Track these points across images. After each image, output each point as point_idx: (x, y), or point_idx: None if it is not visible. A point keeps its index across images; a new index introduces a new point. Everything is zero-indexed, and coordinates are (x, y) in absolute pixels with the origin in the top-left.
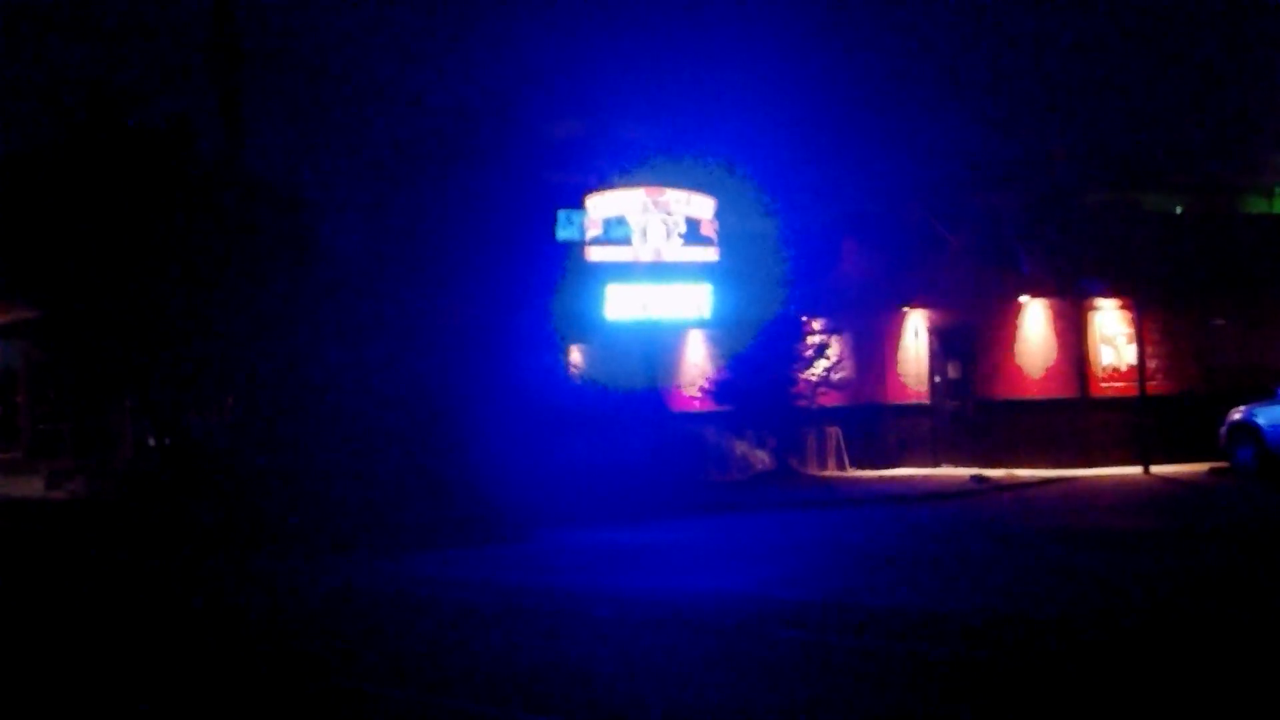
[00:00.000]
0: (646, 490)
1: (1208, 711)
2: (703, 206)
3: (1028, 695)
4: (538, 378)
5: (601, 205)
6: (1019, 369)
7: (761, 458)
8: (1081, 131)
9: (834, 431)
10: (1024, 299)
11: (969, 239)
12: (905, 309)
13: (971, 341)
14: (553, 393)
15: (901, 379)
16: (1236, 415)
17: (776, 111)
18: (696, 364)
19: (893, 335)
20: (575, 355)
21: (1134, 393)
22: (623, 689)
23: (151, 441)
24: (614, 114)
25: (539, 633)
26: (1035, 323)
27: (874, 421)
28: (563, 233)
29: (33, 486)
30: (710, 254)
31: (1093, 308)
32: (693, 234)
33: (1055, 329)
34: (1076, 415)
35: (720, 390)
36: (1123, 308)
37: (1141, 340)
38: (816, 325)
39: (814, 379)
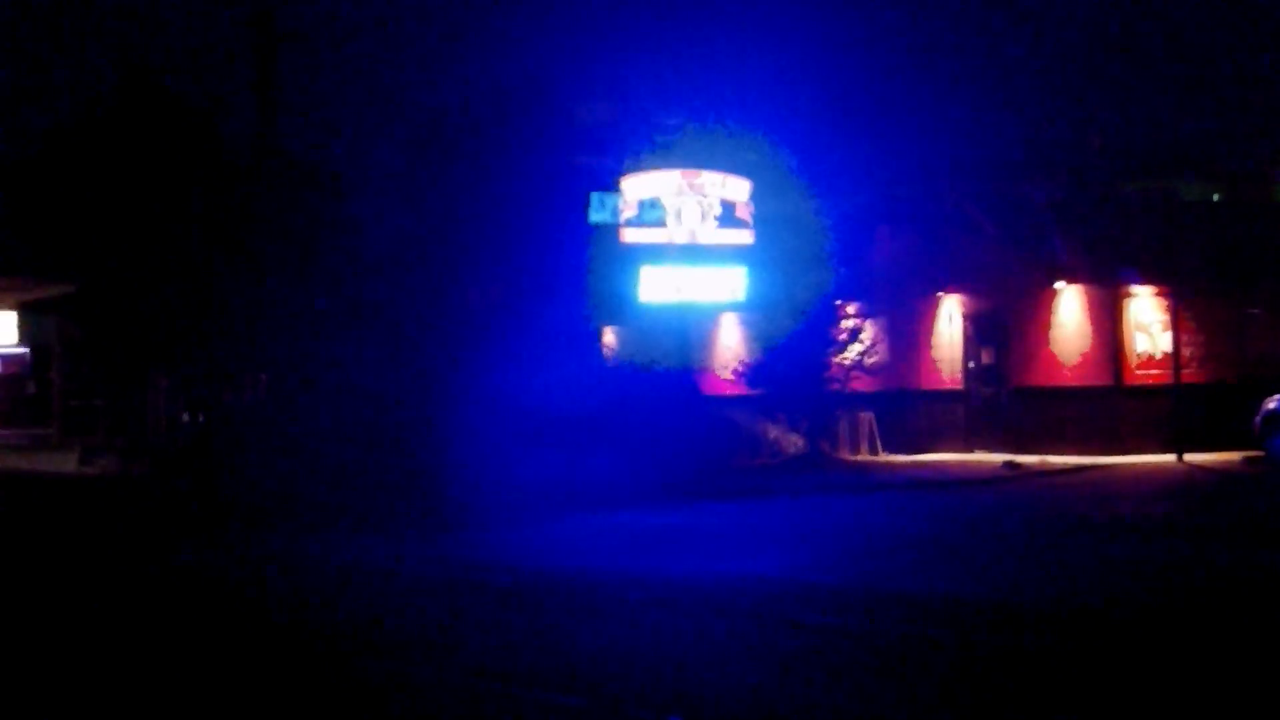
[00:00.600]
0: (677, 473)
1: (1236, 702)
2: (738, 189)
3: (1047, 684)
4: (571, 360)
5: (636, 187)
6: (1053, 356)
7: (794, 442)
8: (1119, 118)
9: (867, 416)
10: (1059, 286)
11: (1004, 225)
12: (939, 294)
13: (1006, 328)
14: (586, 375)
15: (935, 364)
16: (1271, 404)
17: (813, 95)
18: (730, 347)
19: (927, 320)
20: (609, 338)
21: (1169, 381)
22: (649, 671)
23: (185, 418)
24: (649, 95)
25: (568, 615)
26: (1070, 310)
27: (907, 407)
28: (596, 215)
29: (66, 462)
30: (745, 237)
31: (1128, 295)
32: (728, 217)
33: (1090, 316)
34: (1110, 403)
35: (753, 374)
36: (1158, 295)
37: (1177, 328)
38: (850, 309)
39: (847, 363)
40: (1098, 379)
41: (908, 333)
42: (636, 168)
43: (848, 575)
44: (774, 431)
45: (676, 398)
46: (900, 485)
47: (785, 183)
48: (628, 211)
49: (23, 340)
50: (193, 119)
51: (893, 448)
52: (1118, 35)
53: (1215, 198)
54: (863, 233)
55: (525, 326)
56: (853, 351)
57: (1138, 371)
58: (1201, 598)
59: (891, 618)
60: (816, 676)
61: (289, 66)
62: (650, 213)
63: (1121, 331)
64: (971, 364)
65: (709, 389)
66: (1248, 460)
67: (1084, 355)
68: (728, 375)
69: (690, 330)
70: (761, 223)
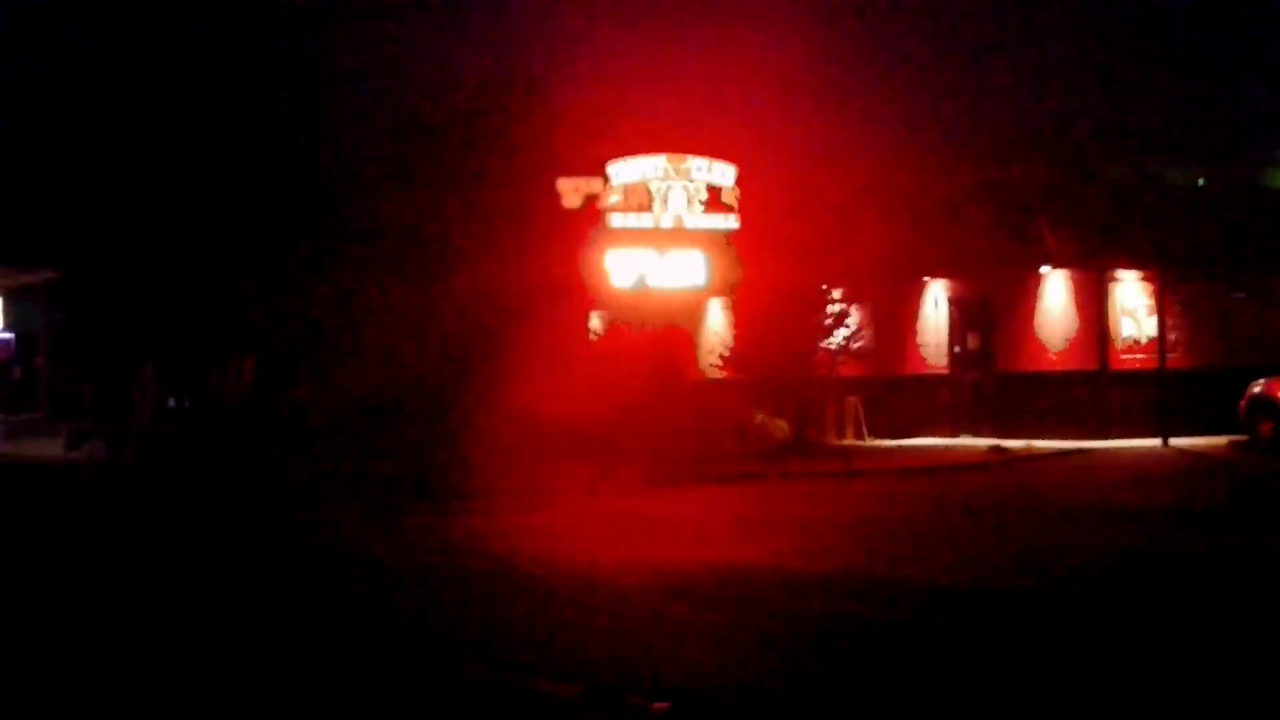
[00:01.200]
0: (662, 459)
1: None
2: (724, 174)
3: (1037, 669)
4: (556, 346)
5: (622, 172)
6: (1039, 340)
7: (780, 427)
8: (1105, 102)
9: (853, 401)
10: (1044, 270)
11: (990, 209)
12: (925, 279)
13: (992, 312)
14: (570, 360)
15: (921, 349)
16: (1256, 389)
17: (799, 80)
18: (715, 332)
19: (912, 305)
20: (594, 322)
21: (1154, 365)
22: (637, 659)
23: (171, 403)
24: (635, 80)
25: (554, 601)
26: (1056, 294)
27: (893, 392)
28: (581, 200)
29: (52, 448)
30: (731, 221)
31: (1113, 280)
32: (714, 201)
33: (1076, 301)
34: (1096, 387)
35: (739, 359)
36: (1144, 280)
37: (1162, 313)
38: (836, 294)
39: (833, 349)
40: (1083, 364)
41: (894, 318)
42: (622, 152)
43: (836, 562)
44: (760, 417)
45: (661, 384)
46: (886, 471)
47: (772, 168)
48: (614, 196)
49: (8, 326)
50: (181, 103)
51: (879, 433)
52: (1103, 20)
53: (1201, 182)
54: (849, 217)
55: (510, 311)
56: (839, 336)
57: (1123, 356)
58: (1176, 587)
59: (882, 605)
60: (806, 664)
61: (279, 51)
62: (636, 197)
63: (1107, 316)
64: (957, 349)
65: (694, 374)
66: (1233, 445)
67: (1070, 340)
68: (714, 361)
69: (675, 316)
70: (747, 208)
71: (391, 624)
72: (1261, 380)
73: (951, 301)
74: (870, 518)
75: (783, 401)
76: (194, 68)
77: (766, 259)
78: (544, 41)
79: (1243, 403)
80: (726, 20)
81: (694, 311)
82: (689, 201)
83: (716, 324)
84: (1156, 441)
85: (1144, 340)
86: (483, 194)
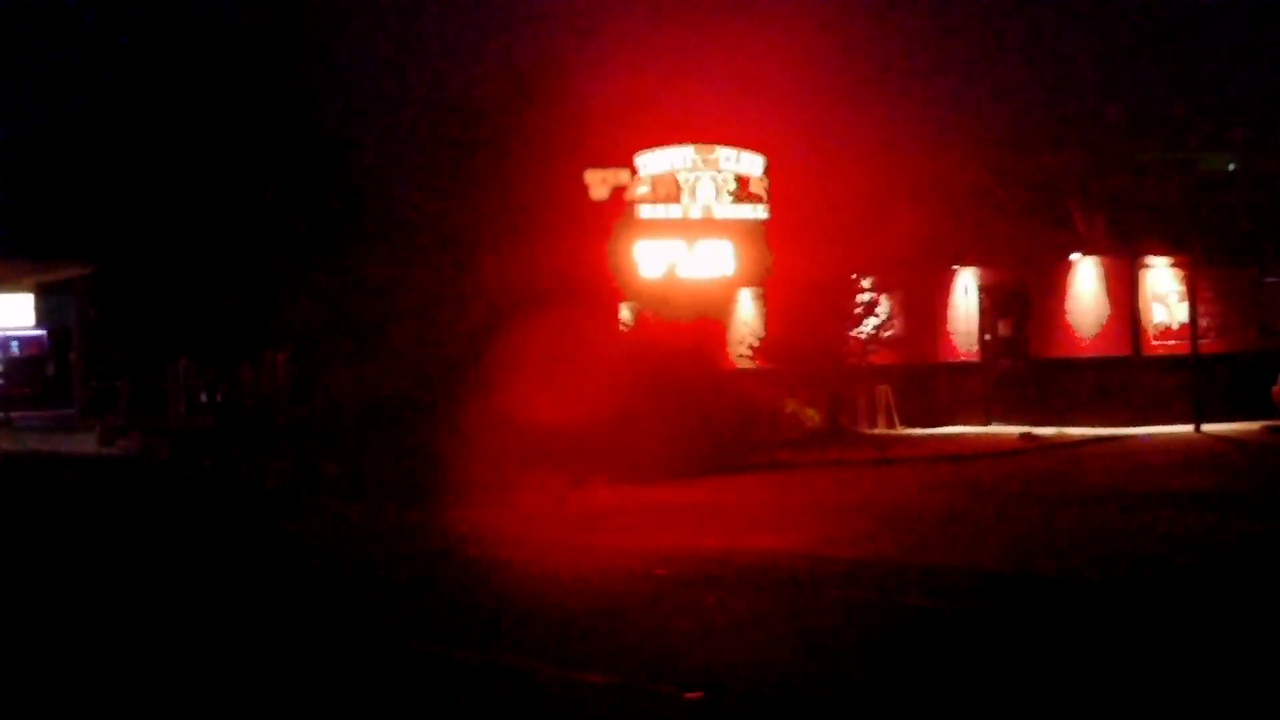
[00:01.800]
0: (696, 448)
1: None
2: (752, 164)
3: (1069, 656)
4: (585, 337)
5: (651, 163)
6: (1070, 327)
7: (811, 416)
8: (1136, 88)
9: (884, 390)
10: (1075, 257)
11: (1021, 196)
12: (956, 267)
13: (1023, 299)
14: (602, 351)
15: (952, 337)
16: None
17: (828, 68)
18: (746, 322)
19: (943, 293)
20: (624, 313)
21: (1186, 351)
22: (674, 647)
23: (204, 398)
24: (664, 70)
25: (592, 590)
26: (1087, 281)
27: (924, 380)
28: (610, 191)
29: (87, 443)
30: (760, 211)
31: (1145, 266)
32: (742, 191)
33: (1107, 287)
34: (1128, 374)
35: (770, 348)
36: (1175, 266)
37: (1194, 298)
38: (867, 283)
39: (864, 337)
40: (1115, 350)
41: (924, 305)
42: (651, 143)
43: (870, 550)
44: (791, 406)
45: (694, 374)
46: (917, 459)
47: (800, 157)
48: (642, 187)
49: (41, 322)
50: (213, 97)
51: (911, 421)
52: (1136, 5)
53: (1232, 167)
54: (879, 206)
55: (540, 302)
56: (869, 325)
57: (1155, 342)
58: (1216, 575)
59: (917, 592)
60: (843, 651)
61: (311, 45)
62: (665, 188)
63: (1139, 302)
64: (988, 336)
65: (726, 364)
66: (1267, 429)
67: (1101, 326)
68: (744, 350)
69: (706, 306)
70: (777, 197)
71: (443, 613)
72: None
73: (982, 289)
74: (904, 505)
75: (814, 390)
76: (226, 60)
77: (796, 248)
78: (572, 34)
79: (1276, 388)
80: (754, 10)
81: (724, 302)
82: (718, 192)
83: (747, 314)
84: (1189, 427)
85: (1176, 326)
86: (511, 186)
